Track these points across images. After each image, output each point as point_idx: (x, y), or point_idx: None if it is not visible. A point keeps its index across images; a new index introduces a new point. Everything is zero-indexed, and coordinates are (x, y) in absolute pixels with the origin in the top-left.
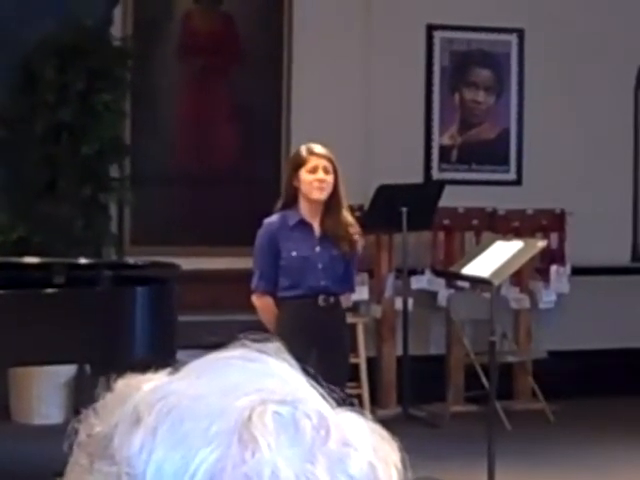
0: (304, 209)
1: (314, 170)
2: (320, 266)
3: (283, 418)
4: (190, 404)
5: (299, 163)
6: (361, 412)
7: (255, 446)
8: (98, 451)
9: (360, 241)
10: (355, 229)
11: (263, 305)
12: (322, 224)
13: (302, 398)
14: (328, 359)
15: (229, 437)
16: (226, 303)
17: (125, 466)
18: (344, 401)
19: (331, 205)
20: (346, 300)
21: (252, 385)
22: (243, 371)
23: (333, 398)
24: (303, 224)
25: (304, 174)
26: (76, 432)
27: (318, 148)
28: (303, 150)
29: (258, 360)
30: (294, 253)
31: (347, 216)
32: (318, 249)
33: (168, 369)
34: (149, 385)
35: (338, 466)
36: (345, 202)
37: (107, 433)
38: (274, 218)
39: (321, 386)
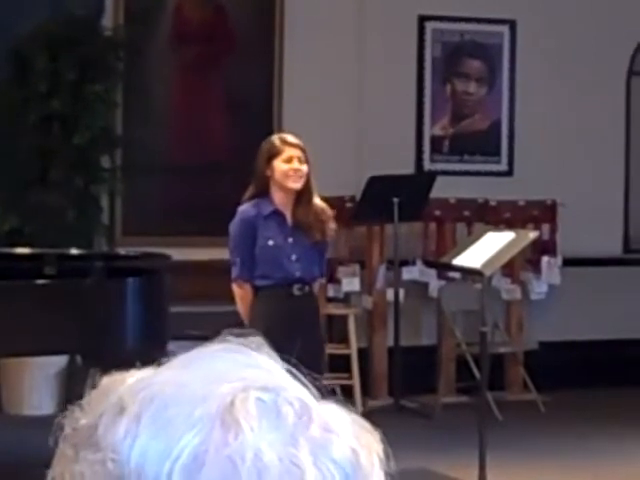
0: (277, 199)
1: (289, 160)
2: (294, 257)
3: (265, 404)
4: (174, 391)
5: (273, 153)
6: (343, 403)
7: (238, 429)
8: (83, 441)
9: (332, 225)
10: (326, 215)
11: (243, 293)
12: (294, 214)
13: (284, 386)
14: (304, 348)
15: (212, 421)
16: (218, 293)
17: (110, 452)
18: (325, 391)
19: (303, 195)
20: (317, 286)
21: (235, 374)
22: (227, 361)
23: (316, 387)
24: (276, 214)
25: (279, 164)
26: (62, 427)
27: (291, 138)
28: (276, 140)
29: (241, 352)
30: (270, 242)
31: (318, 202)
32: (291, 240)
33: (154, 365)
34: (134, 378)
35: (321, 450)
36: (316, 192)
37: (92, 424)
38: (249, 207)
39: (304, 375)
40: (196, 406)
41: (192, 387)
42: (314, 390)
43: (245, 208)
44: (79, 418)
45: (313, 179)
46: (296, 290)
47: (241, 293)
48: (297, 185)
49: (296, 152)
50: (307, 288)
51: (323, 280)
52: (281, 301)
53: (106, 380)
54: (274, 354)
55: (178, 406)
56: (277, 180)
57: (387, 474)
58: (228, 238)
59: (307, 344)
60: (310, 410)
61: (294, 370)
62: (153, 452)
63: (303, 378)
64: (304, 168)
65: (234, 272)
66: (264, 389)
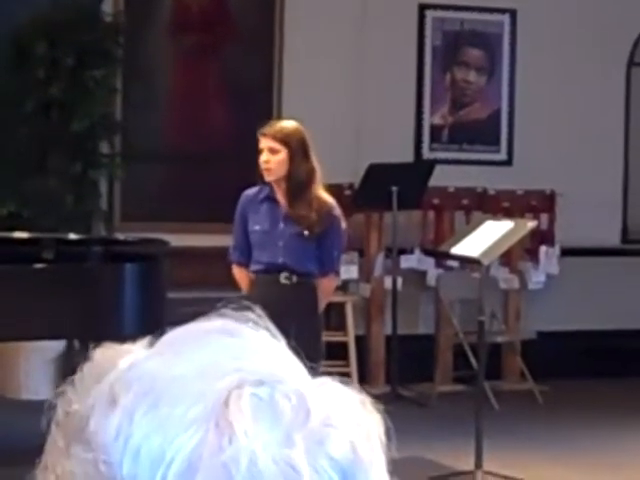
0: (272, 187)
1: (261, 151)
2: (281, 243)
3: (261, 400)
4: (167, 386)
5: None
6: (344, 381)
7: (231, 433)
8: (74, 433)
9: (336, 221)
10: (327, 208)
11: (238, 275)
12: (288, 203)
13: (281, 377)
14: (292, 338)
15: (206, 423)
16: (216, 280)
17: (102, 453)
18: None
19: (292, 184)
20: (326, 283)
21: (230, 364)
22: (221, 347)
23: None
24: (271, 200)
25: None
26: (54, 407)
27: (267, 127)
28: (260, 130)
29: (236, 334)
30: (257, 227)
31: (321, 194)
32: (282, 226)
33: (146, 340)
34: (125, 361)
35: (318, 448)
36: (318, 178)
37: (83, 414)
38: (251, 190)
39: (301, 358)
40: (190, 405)
41: (185, 382)
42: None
43: (247, 191)
44: (71, 400)
45: (311, 168)
46: (283, 279)
47: (236, 274)
48: (268, 177)
49: (267, 143)
50: (295, 278)
51: (334, 277)
52: (269, 288)
53: (98, 355)
54: (273, 328)
55: (172, 404)
56: None
57: (389, 456)
58: (227, 225)
59: (295, 336)
60: (307, 402)
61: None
62: (146, 455)
63: (300, 356)
64: (274, 159)
65: (230, 254)
66: (260, 383)
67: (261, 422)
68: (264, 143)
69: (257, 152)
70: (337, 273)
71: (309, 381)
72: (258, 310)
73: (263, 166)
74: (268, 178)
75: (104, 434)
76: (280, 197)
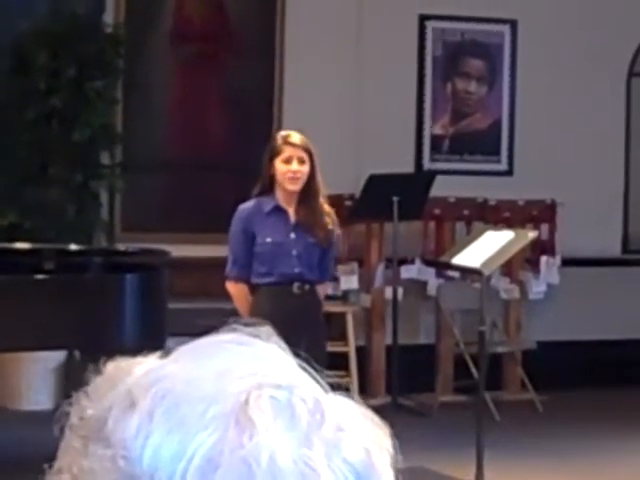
0: (279, 196)
1: (288, 160)
2: (294, 253)
3: (279, 402)
4: (185, 388)
5: (275, 152)
6: (352, 397)
7: (252, 429)
8: (92, 434)
9: (336, 230)
10: (331, 218)
11: (236, 292)
12: (297, 212)
13: (297, 382)
14: (302, 348)
15: (226, 420)
16: (216, 290)
17: (121, 449)
18: (332, 387)
19: (307, 194)
20: (323, 289)
21: (246, 369)
22: (236, 354)
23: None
24: (278, 210)
25: (279, 164)
26: (67, 415)
27: (294, 137)
28: (279, 139)
29: (249, 344)
30: (268, 239)
31: (324, 205)
32: (293, 236)
33: (158, 353)
34: (141, 368)
35: (334, 451)
36: (323, 191)
37: (100, 416)
38: (249, 204)
39: (312, 370)
40: (209, 404)
41: (203, 384)
42: (324, 384)
43: (243, 206)
44: (86, 407)
45: (320, 181)
46: (296, 289)
47: (233, 291)
48: (294, 187)
49: (297, 152)
50: (307, 287)
51: (329, 283)
52: (281, 300)
53: (111, 367)
54: (283, 344)
55: (191, 404)
56: (277, 180)
57: (395, 469)
58: (228, 235)
59: (307, 344)
60: (323, 407)
61: (303, 363)
62: (166, 452)
63: (312, 371)
64: (303, 169)
65: (226, 269)
66: (277, 386)
67: (280, 422)
68: (293, 152)
69: (271, 158)
70: (332, 279)
71: (321, 391)
72: (267, 327)
73: (292, 175)
74: (294, 187)
75: (123, 431)
76: (289, 207)
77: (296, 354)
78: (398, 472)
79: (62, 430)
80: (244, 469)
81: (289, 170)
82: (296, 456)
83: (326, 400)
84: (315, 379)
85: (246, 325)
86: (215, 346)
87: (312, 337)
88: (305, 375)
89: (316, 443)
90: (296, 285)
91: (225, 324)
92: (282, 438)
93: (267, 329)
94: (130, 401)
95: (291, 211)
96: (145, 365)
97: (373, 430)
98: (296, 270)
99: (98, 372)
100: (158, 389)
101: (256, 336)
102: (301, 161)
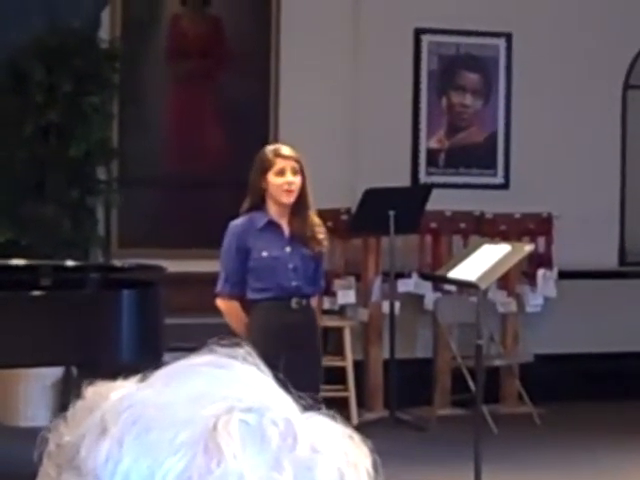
0: (272, 210)
1: (282, 172)
2: (291, 266)
3: (249, 426)
4: (156, 413)
5: (266, 166)
6: (332, 415)
7: (220, 456)
8: (65, 462)
9: (325, 242)
10: (321, 230)
11: (228, 309)
12: (290, 225)
13: (269, 405)
14: (301, 362)
15: (195, 447)
16: (213, 305)
17: (91, 477)
18: (314, 406)
19: (299, 206)
20: (315, 301)
21: (219, 392)
22: (210, 378)
23: (302, 405)
24: (272, 225)
25: (272, 177)
26: (46, 441)
27: (285, 150)
28: (269, 152)
29: (226, 366)
30: (264, 253)
31: (314, 217)
32: (288, 249)
33: (138, 376)
34: (117, 394)
35: (306, 473)
36: (312, 203)
37: (74, 443)
38: (240, 220)
39: (290, 392)
40: (179, 430)
41: (175, 408)
42: (303, 403)
43: (235, 223)
44: (63, 434)
45: (310, 192)
46: (294, 304)
47: (224, 308)
48: (289, 200)
49: (289, 164)
50: (304, 302)
51: (320, 295)
52: (279, 315)
53: (91, 392)
54: (262, 365)
55: (161, 429)
56: (271, 194)
57: None
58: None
59: (301, 358)
60: (295, 430)
61: (282, 382)
62: (135, 478)
63: (290, 391)
64: (297, 180)
65: (217, 286)
66: (248, 410)
67: (249, 446)
68: (286, 164)
69: (262, 172)
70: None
71: (297, 411)
72: (246, 348)
73: (287, 187)
74: (289, 200)
75: (94, 459)
76: (282, 221)
77: (277, 376)
78: None
79: (41, 457)
80: None
81: (285, 182)
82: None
83: (300, 421)
84: (292, 401)
85: (224, 346)
86: (190, 370)
87: (310, 351)
88: (282, 396)
89: (286, 466)
90: (294, 300)
91: (204, 345)
92: (251, 462)
93: (246, 350)
94: (102, 428)
95: (284, 225)
96: (122, 390)
97: (351, 450)
98: (294, 284)
99: (79, 396)
100: (129, 414)
101: (233, 357)
102: (294, 172)
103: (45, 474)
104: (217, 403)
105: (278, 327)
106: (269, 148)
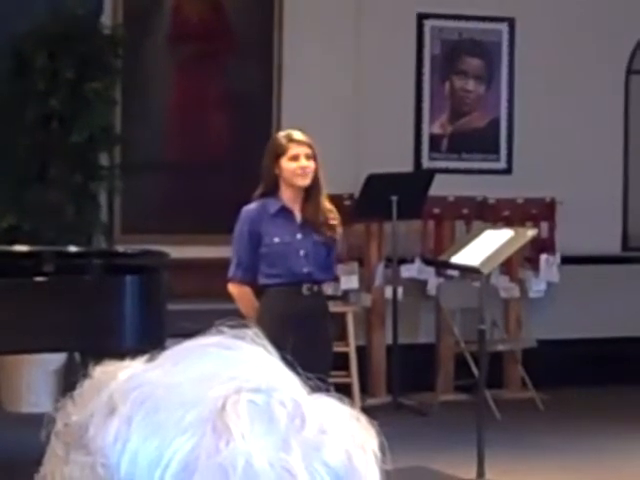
0: (285, 196)
1: (296, 158)
2: (302, 253)
3: (257, 407)
4: (165, 393)
5: (280, 152)
6: (339, 397)
7: (229, 436)
8: (74, 441)
9: (339, 229)
10: (334, 215)
11: (240, 294)
12: (303, 210)
13: (277, 386)
14: (311, 348)
15: (203, 426)
16: (217, 291)
17: (100, 456)
18: (322, 389)
19: (311, 191)
20: (328, 288)
21: (227, 373)
22: (218, 359)
23: (310, 386)
24: (285, 211)
25: (286, 162)
26: (53, 421)
27: (298, 135)
28: (282, 138)
29: (234, 347)
30: (276, 239)
31: (326, 203)
32: (300, 236)
33: (146, 356)
34: (125, 373)
35: (314, 454)
36: (324, 189)
37: (83, 423)
38: (253, 206)
39: (298, 374)
40: (187, 410)
41: (183, 389)
42: (311, 384)
43: (249, 207)
44: (71, 413)
45: (322, 178)
46: (305, 290)
47: (236, 293)
48: (305, 182)
49: (303, 149)
50: (316, 288)
51: (333, 281)
52: (290, 301)
53: (98, 371)
54: (270, 346)
55: (169, 409)
56: (285, 178)
57: (383, 470)
58: (228, 236)
59: (311, 344)
60: (303, 411)
61: (290, 364)
62: (143, 457)
63: (298, 373)
64: (311, 164)
65: (230, 271)
66: (256, 390)
67: (258, 427)
68: (300, 149)
69: (275, 158)
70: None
71: (304, 393)
72: (254, 329)
73: (301, 171)
74: (304, 182)
75: (102, 438)
76: (295, 207)
77: (285, 358)
78: (387, 473)
79: (49, 436)
80: (220, 474)
81: (299, 166)
82: (273, 460)
83: (308, 402)
84: (300, 382)
85: (232, 327)
86: (198, 350)
87: (320, 337)
88: (290, 377)
89: (294, 446)
90: (305, 287)
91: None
92: (259, 443)
93: (253, 331)
94: (111, 407)
95: (297, 211)
96: (130, 370)
97: (358, 431)
98: (305, 270)
99: (86, 375)
100: (138, 394)
101: (241, 338)
102: (308, 157)
103: (53, 453)
104: (225, 384)
105: (289, 313)
106: (281, 134)
